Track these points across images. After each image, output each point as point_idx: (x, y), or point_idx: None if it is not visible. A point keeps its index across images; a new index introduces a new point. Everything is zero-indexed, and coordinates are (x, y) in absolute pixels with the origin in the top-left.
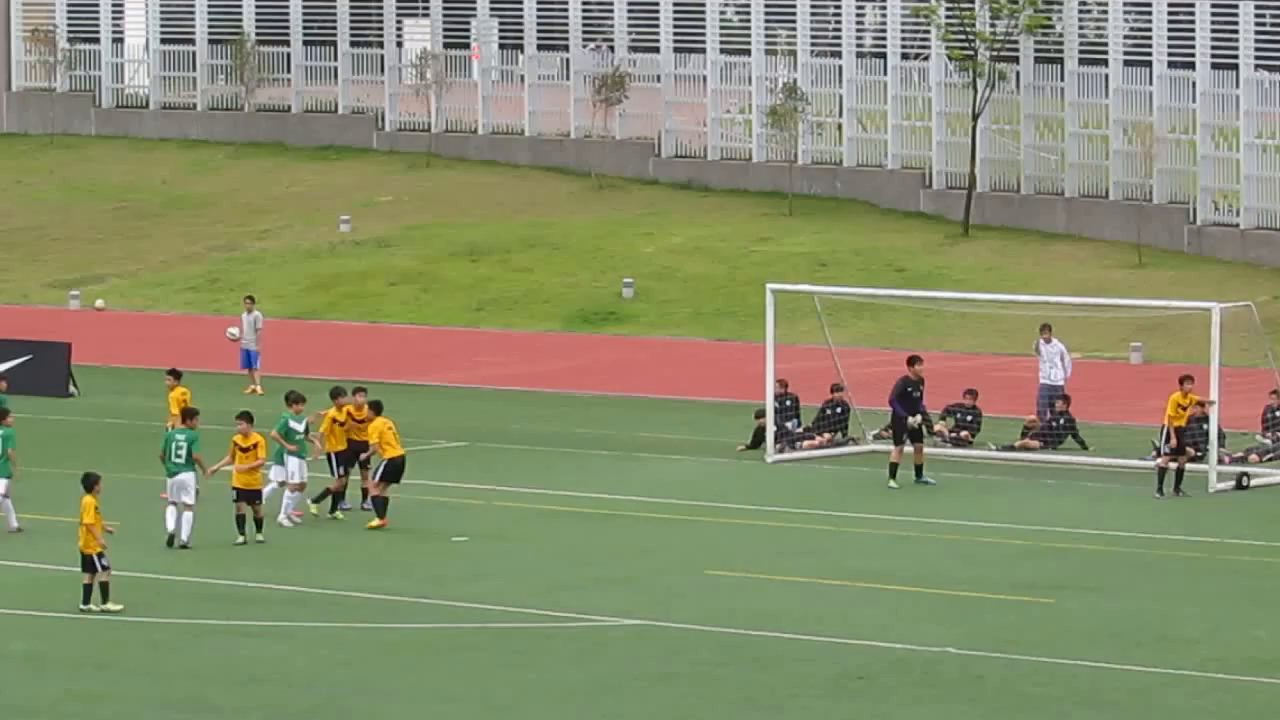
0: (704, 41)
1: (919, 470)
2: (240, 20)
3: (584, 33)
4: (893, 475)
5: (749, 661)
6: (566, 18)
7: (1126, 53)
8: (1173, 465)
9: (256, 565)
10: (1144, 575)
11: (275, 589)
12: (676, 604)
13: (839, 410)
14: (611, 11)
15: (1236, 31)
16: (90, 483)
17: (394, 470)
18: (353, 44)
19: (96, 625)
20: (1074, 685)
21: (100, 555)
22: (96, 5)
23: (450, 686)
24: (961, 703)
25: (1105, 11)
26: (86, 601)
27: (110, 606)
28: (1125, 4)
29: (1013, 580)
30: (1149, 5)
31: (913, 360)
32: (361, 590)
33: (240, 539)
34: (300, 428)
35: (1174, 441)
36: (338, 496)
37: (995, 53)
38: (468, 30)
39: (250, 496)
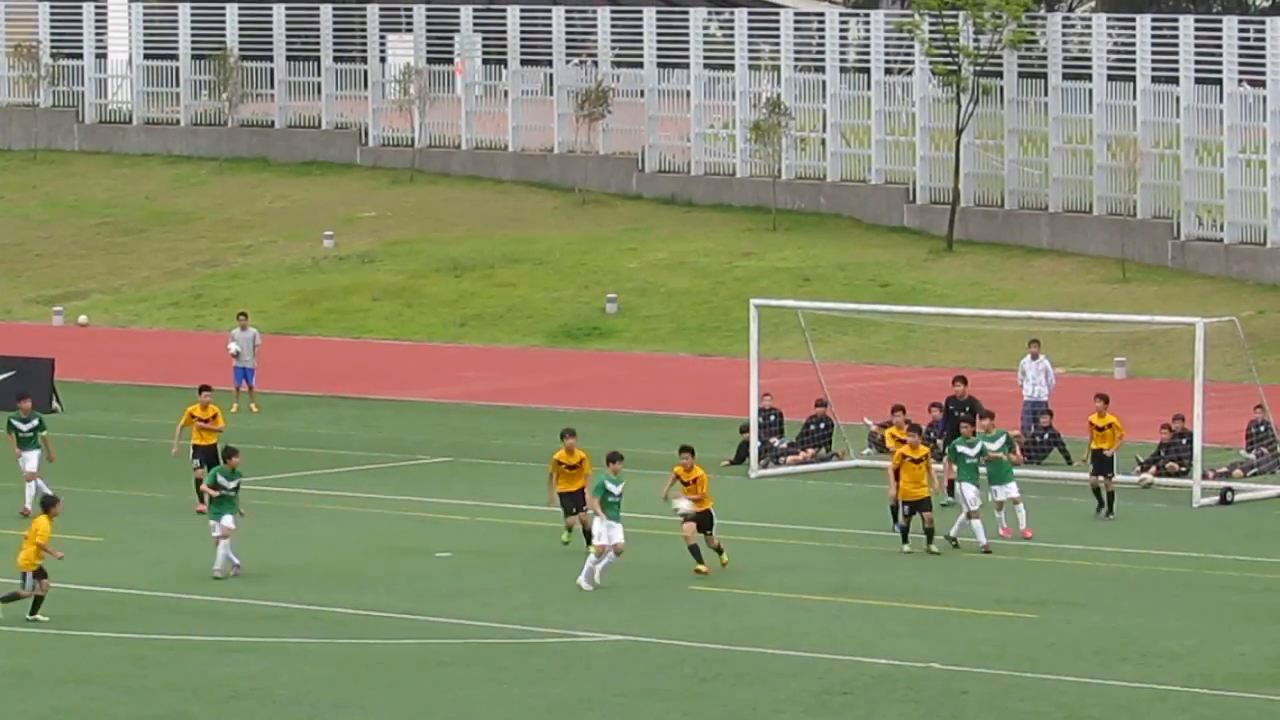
0: (687, 56)
1: None
2: (223, 36)
3: (567, 48)
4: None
5: (733, 677)
6: (550, 33)
7: (1110, 67)
8: (1102, 484)
9: (239, 582)
10: (1128, 590)
11: (257, 605)
12: (660, 619)
13: (823, 425)
14: (595, 26)
15: (1220, 46)
16: (49, 504)
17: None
18: (336, 59)
19: (80, 641)
20: (1058, 700)
21: (37, 572)
22: (80, 21)
23: (433, 702)
24: (946, 718)
25: (1089, 26)
26: (35, 612)
27: (40, 617)
28: (1109, 18)
29: (996, 595)
30: (1132, 20)
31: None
32: (344, 606)
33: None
34: (618, 490)
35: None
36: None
37: (979, 67)
38: (451, 45)
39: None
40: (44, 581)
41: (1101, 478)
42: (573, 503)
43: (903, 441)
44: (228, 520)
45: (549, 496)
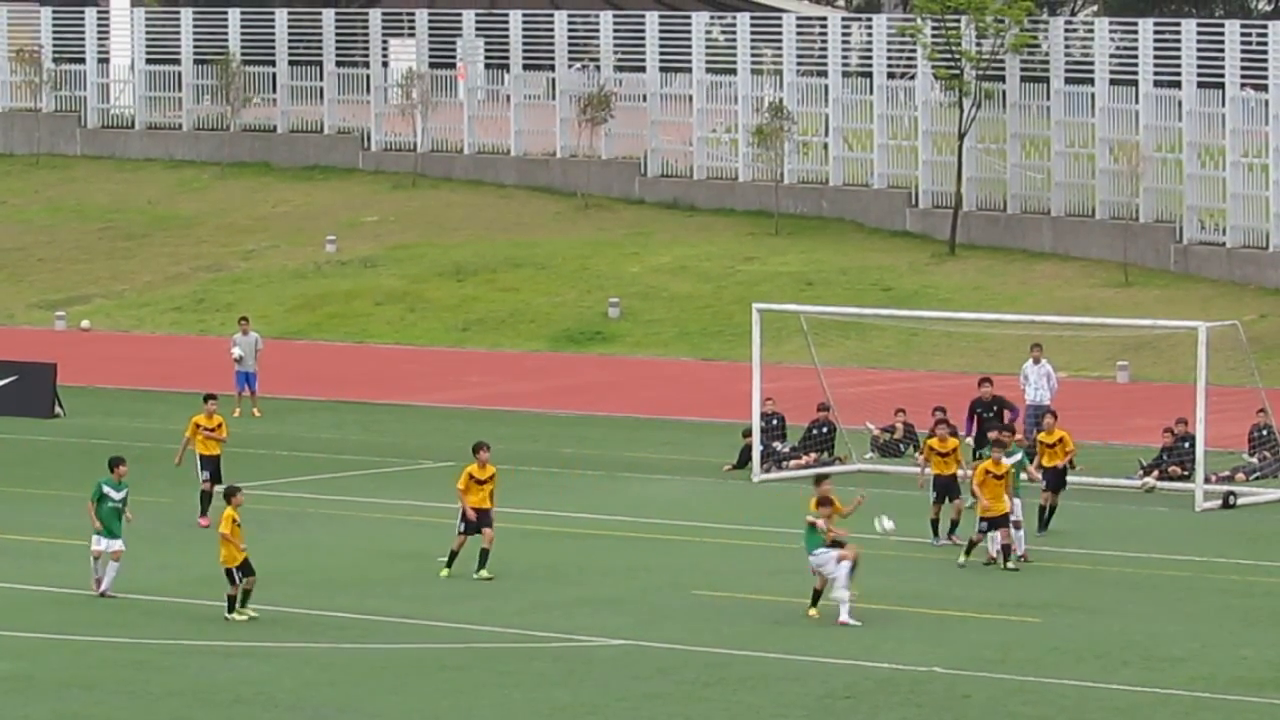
0: (690, 60)
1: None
2: (226, 40)
3: (570, 52)
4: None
5: (736, 681)
6: (552, 37)
7: (1112, 71)
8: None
9: None
10: (1130, 594)
11: (260, 609)
12: (663, 623)
13: (825, 430)
14: (597, 31)
15: (1222, 50)
16: (230, 494)
17: None
18: (338, 64)
19: (82, 646)
20: (1060, 705)
21: (241, 567)
22: (82, 25)
23: (435, 707)
24: None
25: (1091, 30)
26: (231, 610)
27: (244, 614)
28: (1111, 23)
29: (999, 599)
30: (1135, 24)
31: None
32: (346, 610)
33: None
34: (824, 524)
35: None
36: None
37: (981, 72)
38: (453, 50)
39: None
40: (250, 578)
41: (1050, 494)
42: (481, 520)
43: (940, 453)
44: (118, 544)
45: (463, 511)
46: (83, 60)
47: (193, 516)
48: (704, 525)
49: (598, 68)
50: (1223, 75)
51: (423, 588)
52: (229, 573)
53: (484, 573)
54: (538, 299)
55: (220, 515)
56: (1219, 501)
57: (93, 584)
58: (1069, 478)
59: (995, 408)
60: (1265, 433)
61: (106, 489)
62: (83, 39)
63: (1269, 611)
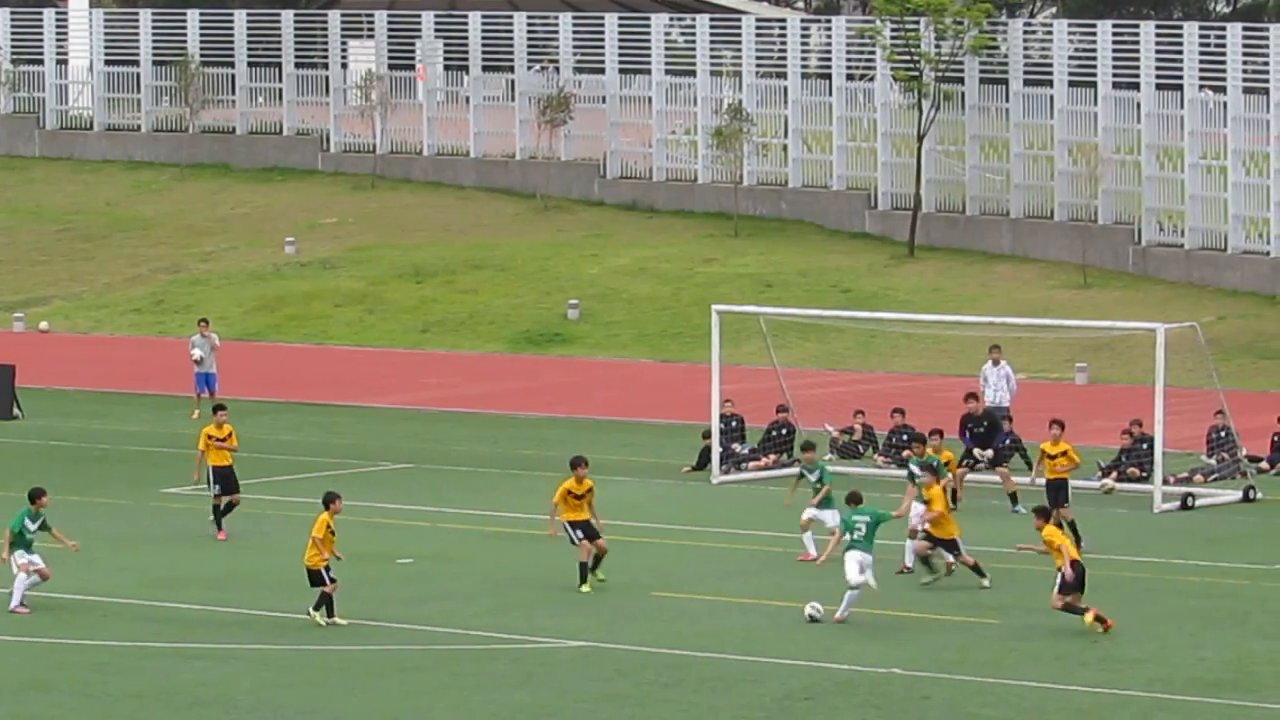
0: (649, 62)
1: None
2: (185, 42)
3: (529, 54)
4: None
5: (695, 683)
6: (511, 39)
7: (1071, 73)
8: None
9: (201, 588)
10: (1089, 595)
11: (219, 611)
12: (622, 625)
13: (784, 431)
14: (556, 33)
15: (1180, 52)
16: (329, 500)
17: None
18: (297, 65)
19: (41, 648)
20: (1019, 706)
21: (327, 569)
22: (40, 26)
23: (395, 708)
24: None
25: (1050, 32)
26: (331, 616)
27: (318, 619)
28: (1070, 25)
29: (958, 601)
30: (1093, 26)
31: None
32: (306, 613)
33: None
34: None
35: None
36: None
37: (940, 73)
38: (413, 51)
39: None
40: (333, 584)
41: (1062, 509)
42: (589, 533)
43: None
44: (39, 559)
45: (565, 525)
46: (41, 61)
47: (153, 520)
48: (663, 527)
49: (557, 69)
50: (1181, 77)
51: (382, 589)
52: (314, 573)
53: (599, 573)
54: (497, 300)
55: (317, 519)
56: (1177, 503)
57: (19, 605)
58: (1023, 479)
59: (985, 423)
60: (1223, 434)
61: (26, 521)
62: (41, 40)
63: (1227, 613)
